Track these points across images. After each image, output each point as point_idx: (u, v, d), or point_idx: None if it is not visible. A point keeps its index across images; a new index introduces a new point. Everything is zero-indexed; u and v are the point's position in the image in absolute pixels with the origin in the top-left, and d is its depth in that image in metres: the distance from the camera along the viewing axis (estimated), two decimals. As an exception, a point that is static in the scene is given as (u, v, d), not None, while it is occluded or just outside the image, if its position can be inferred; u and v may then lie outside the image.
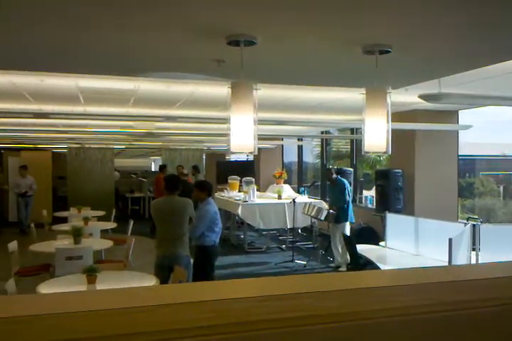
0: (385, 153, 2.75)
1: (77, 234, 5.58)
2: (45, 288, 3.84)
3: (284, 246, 9.20)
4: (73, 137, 10.44)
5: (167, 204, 4.67)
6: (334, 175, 7.41)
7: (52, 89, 5.41)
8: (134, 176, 17.23)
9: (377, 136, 2.69)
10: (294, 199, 8.09)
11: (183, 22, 2.40)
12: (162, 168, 11.66)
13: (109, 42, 2.92)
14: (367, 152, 2.74)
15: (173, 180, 4.77)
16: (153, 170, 21.45)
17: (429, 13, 2.30)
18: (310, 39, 2.73)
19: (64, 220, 8.66)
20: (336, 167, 8.90)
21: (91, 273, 3.80)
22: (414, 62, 3.39)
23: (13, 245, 5.58)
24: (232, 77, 2.66)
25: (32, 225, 7.56)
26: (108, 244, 6.00)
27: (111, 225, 7.88)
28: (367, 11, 2.25)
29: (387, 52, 2.84)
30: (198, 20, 2.36)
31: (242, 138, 2.44)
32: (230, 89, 2.48)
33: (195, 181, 6.19)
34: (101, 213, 8.96)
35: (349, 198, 7.31)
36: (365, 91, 2.77)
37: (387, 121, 2.73)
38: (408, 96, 5.58)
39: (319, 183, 11.07)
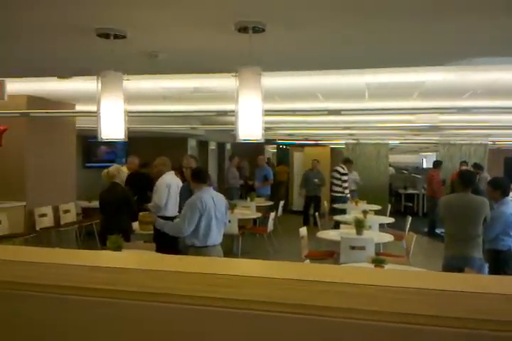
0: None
1: (359, 226, 5.82)
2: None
3: None
4: (352, 133, 10.91)
5: (460, 201, 4.34)
6: None
7: (341, 87, 5.72)
8: (405, 172, 17.00)
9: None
10: None
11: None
12: (437, 164, 11.03)
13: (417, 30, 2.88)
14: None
15: (467, 175, 4.43)
16: (424, 166, 20.69)
17: None
18: None
19: (340, 212, 9.13)
20: None
21: (378, 264, 3.87)
22: None
23: (303, 231, 6.18)
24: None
25: (316, 215, 8.27)
26: (389, 238, 6.01)
27: (388, 220, 7.90)
28: None
29: None
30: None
31: None
32: None
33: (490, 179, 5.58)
34: (376, 207, 9.10)
35: None
36: None
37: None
38: None
39: None
